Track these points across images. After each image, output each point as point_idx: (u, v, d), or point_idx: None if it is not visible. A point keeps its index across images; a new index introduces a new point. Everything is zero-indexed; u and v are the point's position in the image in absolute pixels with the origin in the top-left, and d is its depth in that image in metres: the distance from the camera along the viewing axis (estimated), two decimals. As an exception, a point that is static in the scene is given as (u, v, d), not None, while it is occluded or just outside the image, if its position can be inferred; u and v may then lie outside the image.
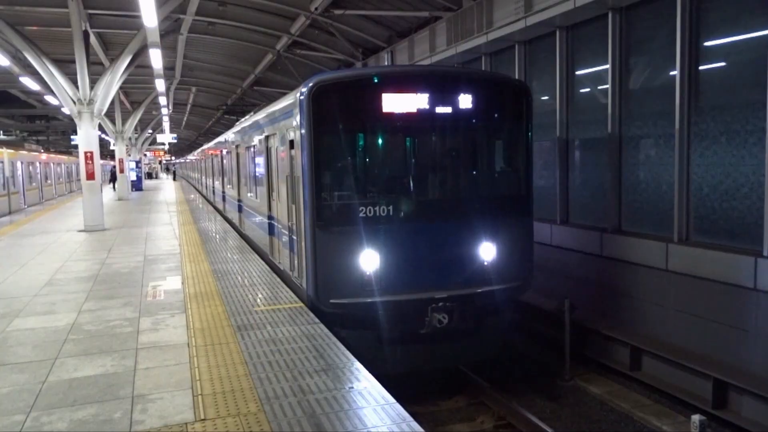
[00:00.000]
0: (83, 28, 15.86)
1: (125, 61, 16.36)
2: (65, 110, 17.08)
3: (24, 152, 28.33)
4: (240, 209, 15.14)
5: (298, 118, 7.41)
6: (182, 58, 23.42)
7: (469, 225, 7.55)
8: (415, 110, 7.32)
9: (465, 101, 7.53)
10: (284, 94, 11.34)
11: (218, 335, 6.20)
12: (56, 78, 15.67)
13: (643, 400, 8.13)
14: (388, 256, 7.22)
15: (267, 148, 10.29)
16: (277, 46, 21.21)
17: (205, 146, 30.14)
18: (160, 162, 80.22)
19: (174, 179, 61.46)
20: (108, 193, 33.96)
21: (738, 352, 7.60)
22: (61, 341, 6.19)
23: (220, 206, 21.28)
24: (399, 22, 17.79)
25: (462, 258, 7.53)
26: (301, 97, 7.25)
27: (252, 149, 12.30)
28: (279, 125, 8.97)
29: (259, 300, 7.69)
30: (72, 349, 5.95)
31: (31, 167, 29.20)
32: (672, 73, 8.76)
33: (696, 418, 5.61)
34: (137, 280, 9.22)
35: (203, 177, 31.07)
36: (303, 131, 7.22)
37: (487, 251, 7.62)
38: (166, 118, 37.10)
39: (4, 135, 43.60)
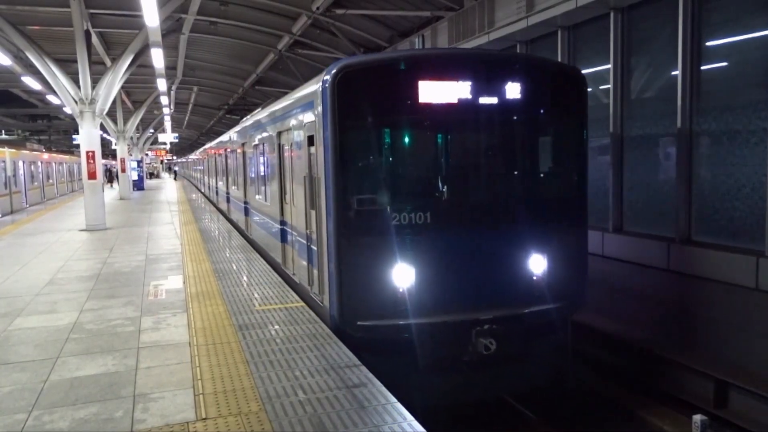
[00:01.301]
0: (85, 28, 15.88)
1: (127, 60, 16.39)
2: (67, 110, 17.11)
3: (26, 152, 28.37)
4: (246, 212, 14.17)
5: (319, 109, 6.46)
6: (184, 57, 23.43)
7: (518, 234, 6.58)
8: (456, 100, 6.32)
9: (513, 90, 6.51)
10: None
11: (219, 334, 6.20)
12: (58, 77, 15.69)
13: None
14: (425, 270, 6.25)
15: (279, 145, 9.32)
16: (278, 46, 21.23)
17: (208, 145, 29.60)
18: (162, 161, 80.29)
19: (175, 179, 61.49)
20: (106, 192, 33.98)
21: None
22: (63, 340, 6.20)
23: (223, 208, 20.32)
24: (401, 21, 17.79)
25: (510, 272, 6.58)
26: (324, 86, 6.25)
27: (261, 147, 11.33)
28: (294, 119, 7.95)
29: (260, 299, 7.69)
30: (73, 348, 5.95)
31: (32, 167, 29.24)
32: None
33: (698, 418, 5.60)
34: (139, 279, 9.23)
35: (206, 177, 30.16)
36: (326, 125, 6.24)
37: (537, 264, 6.66)
38: (167, 118, 37.13)
39: (6, 134, 43.70)
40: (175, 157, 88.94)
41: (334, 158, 6.14)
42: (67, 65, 16.66)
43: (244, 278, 9.06)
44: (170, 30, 18.59)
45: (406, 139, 6.81)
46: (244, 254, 11.28)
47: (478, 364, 6.29)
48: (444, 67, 6.52)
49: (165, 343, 5.99)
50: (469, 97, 6.36)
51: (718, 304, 7.86)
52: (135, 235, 14.76)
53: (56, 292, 8.47)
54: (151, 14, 11.20)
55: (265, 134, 10.70)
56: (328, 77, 6.21)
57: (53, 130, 48.89)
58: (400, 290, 6.20)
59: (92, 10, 16.37)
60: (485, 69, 6.56)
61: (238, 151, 15.05)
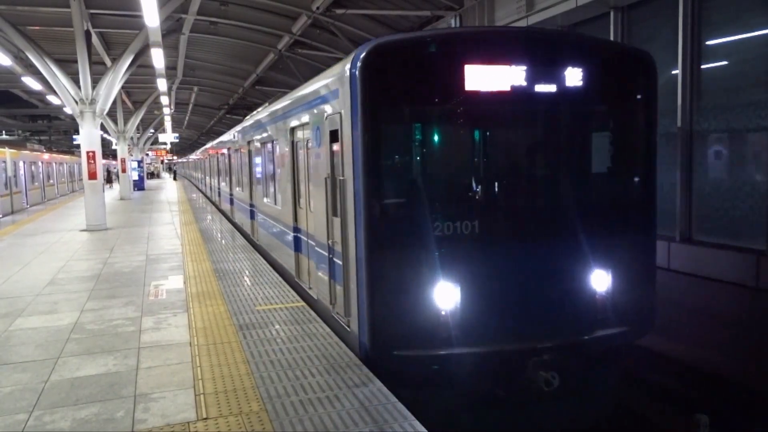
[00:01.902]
0: (85, 28, 15.88)
1: (127, 60, 16.40)
2: (67, 110, 17.12)
3: (26, 152, 28.38)
4: (252, 216, 13.24)
5: (346, 99, 5.48)
6: (184, 57, 23.44)
7: (580, 246, 5.59)
8: (509, 88, 5.33)
9: (575, 77, 5.52)
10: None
11: (220, 334, 6.20)
12: (58, 78, 15.70)
13: None
14: (473, 289, 5.31)
15: (292, 142, 8.36)
16: (278, 46, 21.23)
17: (210, 144, 28.94)
18: (162, 162, 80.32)
19: (174, 179, 61.53)
20: (106, 193, 34.00)
21: None
22: (64, 340, 6.20)
23: (227, 210, 19.27)
24: (401, 21, 17.78)
25: (572, 291, 5.61)
26: (352, 70, 5.27)
27: (270, 145, 10.41)
28: (312, 112, 6.95)
29: (260, 299, 7.69)
30: (74, 348, 5.95)
31: (33, 167, 29.25)
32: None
33: (701, 417, 5.57)
34: (139, 279, 9.23)
35: (208, 178, 29.17)
36: (354, 117, 5.26)
37: (601, 281, 5.69)
38: (167, 118, 37.13)
39: (6, 135, 43.72)
40: (175, 157, 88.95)
41: (365, 157, 5.17)
42: (68, 65, 16.67)
43: (245, 278, 9.06)
44: (170, 30, 18.60)
45: (450, 135, 5.78)
46: (244, 254, 11.28)
47: (534, 399, 5.36)
48: (496, 47, 5.47)
49: (166, 343, 5.99)
50: (524, 84, 5.36)
51: None
52: (135, 235, 14.76)
53: (57, 293, 8.47)
54: (151, 14, 11.21)
55: (274, 131, 9.77)
56: (357, 59, 5.20)
57: (53, 130, 48.90)
58: (444, 313, 5.24)
59: (92, 11, 16.38)
60: (543, 50, 5.55)
61: (243, 150, 14.13)
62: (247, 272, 9.52)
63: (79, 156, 18.99)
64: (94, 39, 18.35)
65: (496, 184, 5.73)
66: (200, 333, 6.28)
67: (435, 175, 5.73)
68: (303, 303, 7.41)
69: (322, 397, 4.53)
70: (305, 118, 7.35)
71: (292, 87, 12.90)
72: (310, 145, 7.22)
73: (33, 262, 11.15)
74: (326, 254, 6.43)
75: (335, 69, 6.13)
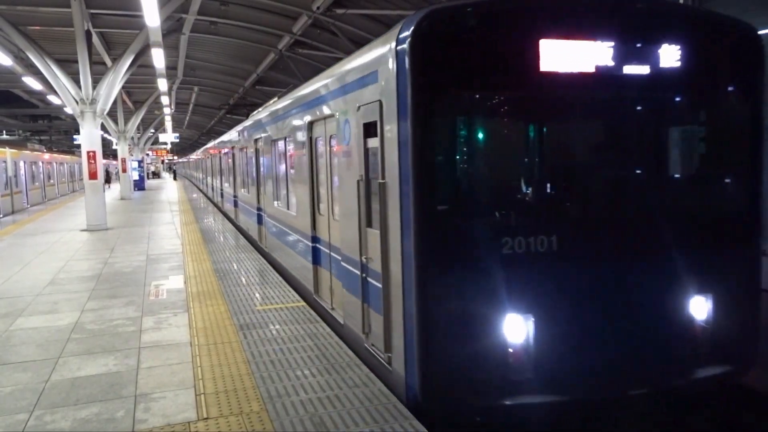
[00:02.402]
0: (86, 28, 15.90)
1: (127, 60, 16.42)
2: (68, 110, 17.14)
3: (27, 152, 28.39)
4: (260, 220, 12.26)
5: (389, 84, 4.47)
6: (184, 57, 23.44)
7: (680, 267, 4.57)
8: (592, 69, 4.31)
9: (671, 55, 4.45)
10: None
11: (220, 334, 6.21)
12: (59, 78, 15.72)
13: None
14: (551, 322, 4.31)
15: (310, 139, 7.33)
16: (279, 46, 21.22)
17: (213, 142, 28.16)
18: (163, 161, 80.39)
19: (174, 179, 61.58)
20: (106, 193, 34.01)
21: None
22: (64, 340, 6.20)
23: (230, 213, 18.30)
24: (401, 21, 17.77)
25: (669, 324, 4.60)
26: (400, 47, 4.29)
27: (281, 143, 9.40)
28: (337, 104, 5.98)
29: (261, 299, 7.69)
30: (75, 348, 5.96)
31: (33, 167, 29.26)
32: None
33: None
34: (140, 279, 9.23)
35: (210, 178, 28.20)
36: (401, 106, 4.27)
37: (700, 309, 4.67)
38: (168, 118, 37.16)
39: (7, 135, 43.76)
40: (175, 157, 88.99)
41: (417, 155, 4.15)
42: (68, 65, 16.68)
43: (245, 278, 9.06)
44: (171, 30, 18.59)
45: (522, 128, 4.69)
46: (245, 254, 11.28)
47: None
48: (574, 17, 4.39)
49: (166, 343, 6.00)
50: (612, 63, 4.33)
51: None
52: (136, 235, 14.77)
53: (57, 292, 8.47)
54: (151, 14, 11.21)
55: (287, 126, 8.78)
56: (406, 32, 4.25)
57: (54, 130, 48.93)
58: (514, 352, 4.26)
59: (93, 10, 16.38)
60: (633, 22, 4.48)
61: (249, 148, 13.10)
62: (247, 272, 9.53)
63: (80, 156, 19.00)
64: (95, 39, 18.36)
65: (577, 189, 4.68)
66: (201, 333, 6.28)
67: (503, 178, 4.66)
68: (303, 303, 7.40)
69: (322, 397, 4.54)
70: (328, 111, 6.42)
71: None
72: (334, 141, 6.29)
73: (33, 261, 11.16)
74: (357, 272, 5.41)
75: (372, 49, 5.00)
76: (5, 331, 6.61)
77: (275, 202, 10.24)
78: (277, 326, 6.44)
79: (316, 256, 7.40)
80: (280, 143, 9.50)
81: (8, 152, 24.30)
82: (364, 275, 5.27)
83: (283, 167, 9.51)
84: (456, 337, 4.24)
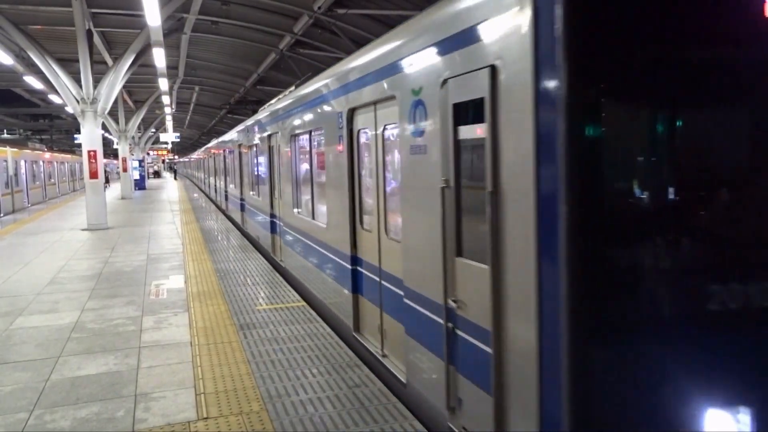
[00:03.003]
0: (87, 27, 15.91)
1: (128, 60, 16.43)
2: (69, 109, 17.16)
3: (27, 151, 28.41)
4: (274, 229, 10.77)
5: (518, 38, 2.84)
6: (185, 57, 23.45)
7: None
8: None
9: None
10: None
11: (221, 334, 6.21)
12: (60, 77, 15.73)
13: None
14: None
15: (350, 131, 5.83)
16: (280, 46, 21.23)
17: (217, 140, 26.66)
18: (163, 161, 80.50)
19: (175, 178, 61.66)
20: (106, 192, 34.04)
21: None
22: (64, 339, 6.20)
23: (237, 218, 16.95)
24: (402, 21, 17.77)
25: None
26: None
27: (304, 138, 7.94)
28: (403, 79, 4.42)
29: (261, 299, 7.69)
30: (75, 347, 5.96)
31: (34, 166, 29.29)
32: None
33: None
34: (140, 278, 9.24)
35: (213, 179, 26.56)
36: (546, 72, 2.65)
37: None
38: (169, 117, 37.18)
39: (7, 134, 43.80)
40: (176, 157, 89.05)
41: (574, 151, 2.54)
42: (69, 65, 16.70)
43: (246, 278, 9.06)
44: (172, 29, 18.60)
45: (736, 113, 2.88)
46: (245, 254, 11.29)
47: None
48: None
49: (166, 343, 6.00)
50: None
51: None
52: (136, 234, 14.78)
53: (58, 292, 8.48)
54: (152, 14, 11.21)
55: (314, 117, 7.20)
56: None
57: (55, 129, 48.96)
58: None
59: (94, 10, 16.39)
60: None
61: (262, 146, 11.53)
62: (248, 272, 9.53)
63: (80, 155, 19.01)
64: (96, 38, 18.37)
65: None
66: (201, 332, 6.28)
67: (727, 188, 2.83)
68: (303, 303, 7.39)
69: (323, 397, 4.54)
70: (382, 92, 4.89)
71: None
72: (391, 133, 4.89)
73: (34, 261, 11.16)
74: (436, 318, 3.95)
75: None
76: (5, 330, 6.62)
77: (295, 210, 8.69)
78: (278, 326, 6.44)
79: (357, 283, 5.87)
80: (303, 138, 8.00)
81: (9, 151, 24.32)
82: (450, 325, 3.75)
83: (306, 167, 8.04)
84: None
